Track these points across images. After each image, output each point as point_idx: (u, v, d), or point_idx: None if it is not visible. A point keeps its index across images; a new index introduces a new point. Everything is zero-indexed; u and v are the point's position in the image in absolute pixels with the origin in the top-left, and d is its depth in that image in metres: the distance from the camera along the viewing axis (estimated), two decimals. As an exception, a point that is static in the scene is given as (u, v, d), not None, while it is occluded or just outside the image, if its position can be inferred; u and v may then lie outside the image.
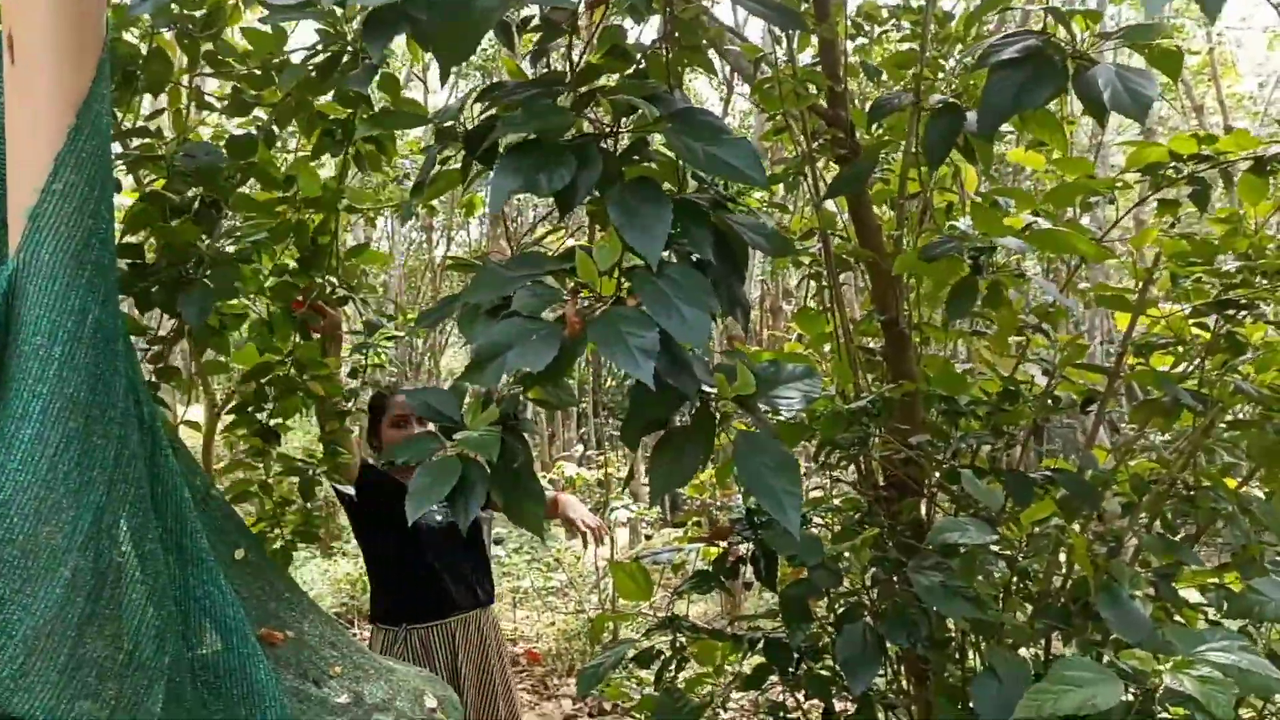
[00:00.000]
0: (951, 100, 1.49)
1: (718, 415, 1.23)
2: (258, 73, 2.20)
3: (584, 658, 6.11)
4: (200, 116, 2.41)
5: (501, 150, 1.30)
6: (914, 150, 1.82)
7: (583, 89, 1.39)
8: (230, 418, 2.38)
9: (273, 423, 2.40)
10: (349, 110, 2.22)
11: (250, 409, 2.39)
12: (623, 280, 1.20)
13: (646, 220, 1.15)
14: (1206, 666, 1.32)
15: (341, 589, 7.33)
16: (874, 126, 2.59)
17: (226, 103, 2.15)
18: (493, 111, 1.47)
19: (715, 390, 1.25)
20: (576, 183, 1.18)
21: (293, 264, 2.36)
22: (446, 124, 1.45)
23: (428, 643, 3.03)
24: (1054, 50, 1.30)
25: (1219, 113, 13.34)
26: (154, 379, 2.14)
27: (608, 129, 1.36)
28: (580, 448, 10.71)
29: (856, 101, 2.64)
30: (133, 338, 2.12)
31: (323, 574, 7.60)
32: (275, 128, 2.16)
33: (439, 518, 3.11)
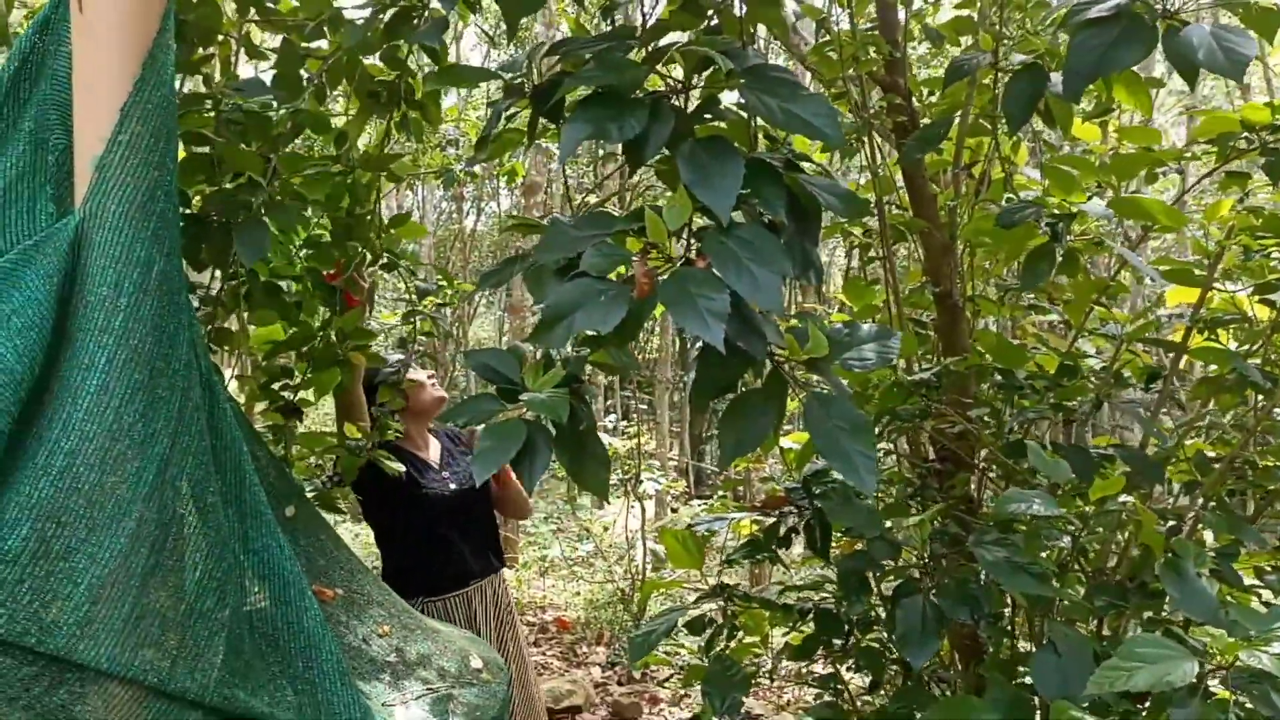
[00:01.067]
0: (1033, 61, 1.44)
1: (789, 378, 1.21)
2: (309, 24, 2.16)
3: (612, 626, 6.15)
4: (251, 66, 2.38)
5: (569, 104, 1.27)
6: (993, 114, 1.78)
7: (654, 45, 1.36)
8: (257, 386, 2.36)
9: (298, 397, 2.37)
10: (396, 73, 2.19)
11: (274, 384, 2.37)
12: (692, 241, 1.17)
13: (718, 176, 1.12)
14: (1285, 644, 1.29)
15: (374, 553, 7.40)
16: (929, 94, 2.54)
17: (277, 53, 2.11)
18: (560, 68, 1.45)
19: (786, 352, 1.23)
20: (649, 134, 1.15)
21: (326, 234, 2.32)
22: (514, 80, 1.42)
23: (447, 614, 2.98)
24: (1143, 9, 1.25)
25: (1266, 92, 13.03)
26: (207, 342, 2.13)
27: (679, 85, 1.33)
28: (612, 419, 10.73)
29: (914, 70, 2.58)
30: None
31: (354, 538, 7.68)
32: (326, 85, 2.13)
33: (453, 486, 3.10)
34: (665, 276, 1.16)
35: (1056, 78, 1.45)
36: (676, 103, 1.33)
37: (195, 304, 2.28)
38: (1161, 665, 1.32)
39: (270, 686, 1.49)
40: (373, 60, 2.21)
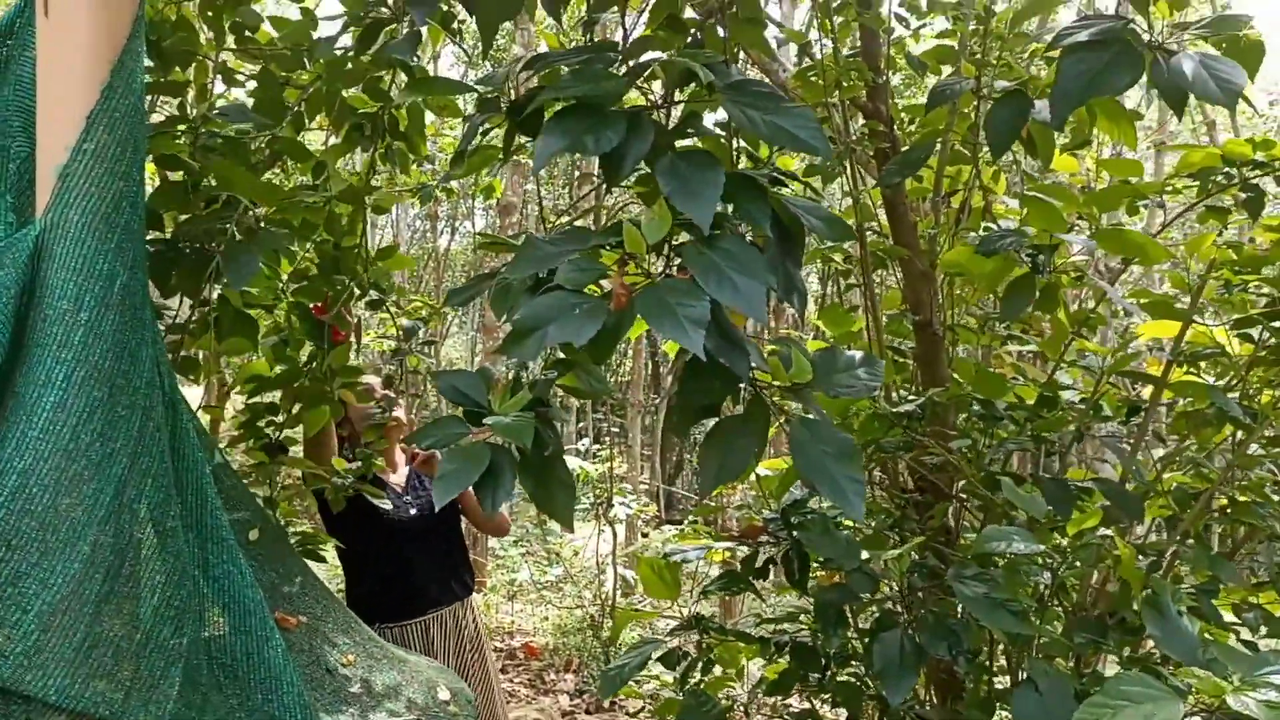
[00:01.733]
0: (1017, 87, 1.43)
1: (771, 404, 1.18)
2: (287, 53, 2.12)
3: (581, 653, 6.06)
4: (226, 93, 2.34)
5: (548, 117, 1.24)
6: (974, 141, 1.77)
7: (635, 60, 1.34)
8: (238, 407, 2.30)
9: (283, 435, 2.31)
10: (379, 104, 2.14)
11: (258, 422, 2.30)
12: (672, 257, 1.14)
13: (698, 185, 1.10)
14: (1272, 690, 1.27)
15: (341, 578, 7.27)
16: (910, 121, 2.54)
17: (254, 80, 2.07)
18: (537, 83, 1.42)
19: (768, 377, 1.20)
20: (627, 148, 1.12)
21: (313, 268, 2.27)
22: (490, 94, 1.39)
23: (403, 641, 2.91)
24: (1132, 36, 1.25)
25: (1230, 129, 13.28)
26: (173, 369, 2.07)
27: (660, 100, 1.31)
28: (585, 442, 10.66)
29: (895, 98, 2.59)
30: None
31: (321, 563, 7.53)
32: (305, 116, 2.08)
33: (413, 510, 3.02)
34: (643, 288, 1.12)
35: (1040, 104, 1.44)
36: (656, 118, 1.30)
37: (162, 330, 2.22)
38: (1146, 705, 1.30)
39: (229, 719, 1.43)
40: (356, 91, 2.18)
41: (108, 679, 1.29)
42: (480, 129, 1.42)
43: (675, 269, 1.18)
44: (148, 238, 2.03)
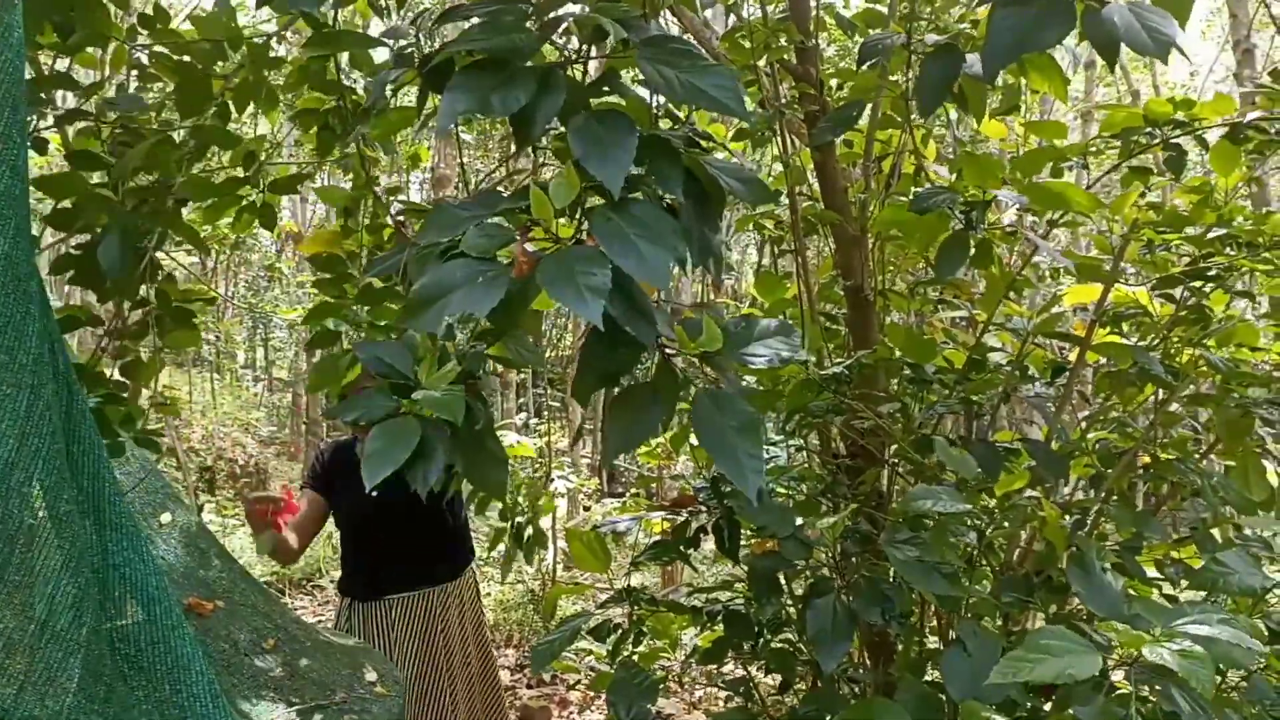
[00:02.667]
0: (948, 41, 1.40)
1: (680, 373, 1.14)
2: (206, 45, 2.01)
3: (521, 628, 6.03)
4: (145, 87, 2.22)
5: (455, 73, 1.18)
6: (906, 99, 1.74)
7: (550, 14, 1.28)
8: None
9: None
10: (334, 98, 2.04)
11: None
12: (583, 222, 1.09)
13: (609, 148, 1.04)
14: (1186, 640, 1.29)
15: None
16: (839, 86, 2.51)
17: (174, 73, 1.95)
18: (453, 39, 1.35)
19: (677, 345, 1.16)
20: (537, 107, 1.07)
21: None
22: (404, 49, 1.32)
23: (365, 620, 2.85)
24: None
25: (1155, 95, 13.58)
26: (120, 376, 1.98)
27: (574, 56, 1.25)
28: (522, 416, 10.58)
29: (824, 64, 2.56)
30: (90, 329, 1.93)
31: (252, 542, 7.38)
32: (232, 108, 1.98)
33: (374, 494, 2.90)
34: (547, 255, 1.07)
35: (971, 58, 1.41)
36: (572, 76, 1.25)
37: (101, 335, 2.10)
38: (1065, 658, 1.31)
39: (134, 712, 1.36)
40: (309, 94, 2.08)
41: (-2, 674, 1.22)
42: (390, 85, 1.34)
43: (586, 234, 1.13)
44: (74, 242, 1.93)
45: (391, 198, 2.11)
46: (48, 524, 1.32)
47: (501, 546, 7.55)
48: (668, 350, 1.14)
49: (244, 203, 2.06)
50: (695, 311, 1.25)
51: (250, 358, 17.87)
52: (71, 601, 1.31)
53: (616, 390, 1.15)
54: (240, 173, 2.08)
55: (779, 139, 2.18)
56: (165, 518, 1.95)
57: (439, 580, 2.92)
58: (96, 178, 1.86)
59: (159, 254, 1.93)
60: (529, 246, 1.06)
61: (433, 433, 1.11)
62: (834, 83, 2.45)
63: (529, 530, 2.13)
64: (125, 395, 1.96)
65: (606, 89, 1.25)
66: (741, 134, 2.14)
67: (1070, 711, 1.32)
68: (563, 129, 1.15)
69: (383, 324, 2.02)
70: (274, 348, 16.91)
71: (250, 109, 2.02)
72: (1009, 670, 1.30)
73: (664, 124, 1.33)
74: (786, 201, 2.46)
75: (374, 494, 2.69)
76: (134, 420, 1.88)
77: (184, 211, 1.98)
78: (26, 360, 1.30)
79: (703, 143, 1.23)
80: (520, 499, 2.20)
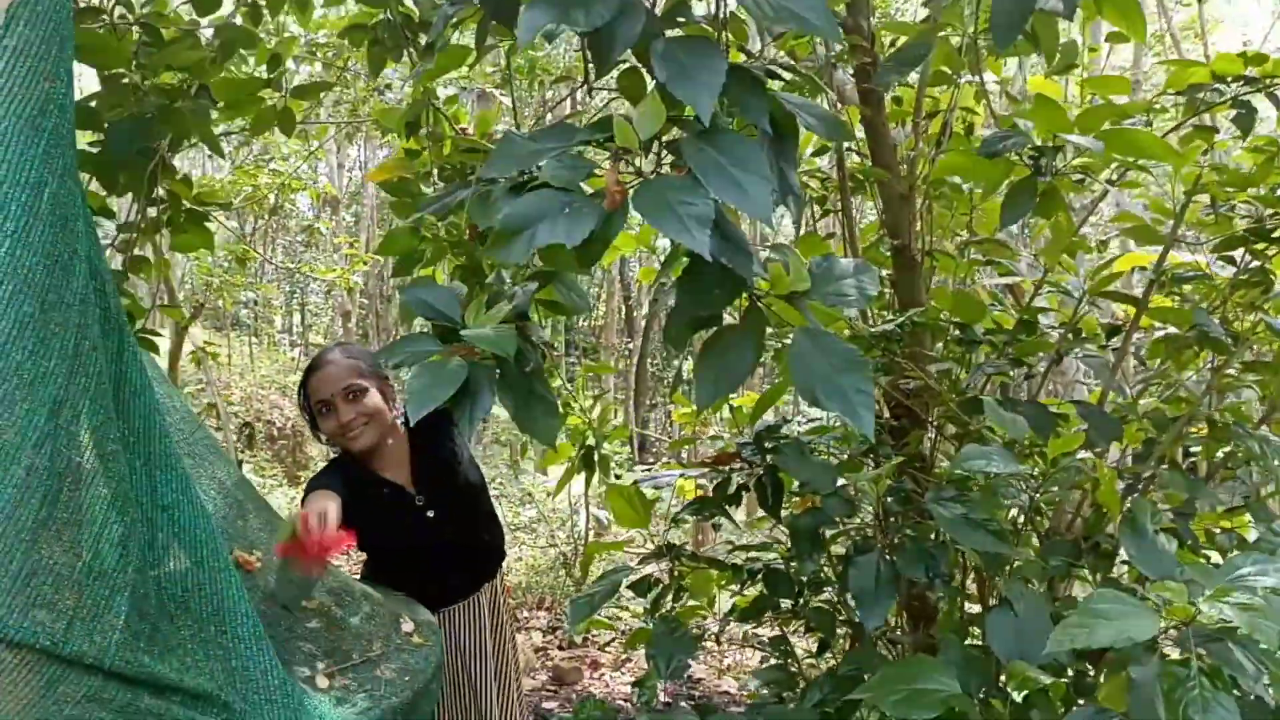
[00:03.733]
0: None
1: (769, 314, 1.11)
2: None
3: (553, 592, 6.07)
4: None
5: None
6: (974, 36, 1.68)
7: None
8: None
9: None
10: (378, 10, 1.99)
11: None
12: (665, 155, 1.06)
13: (698, 73, 1.01)
14: (1247, 593, 1.25)
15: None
16: (892, 42, 2.44)
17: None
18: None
19: (766, 285, 1.13)
20: (616, 28, 1.03)
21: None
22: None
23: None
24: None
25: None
26: (121, 269, 1.96)
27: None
28: (557, 384, 10.59)
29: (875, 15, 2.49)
30: (99, 220, 1.91)
31: (289, 501, 7.48)
32: (264, 7, 1.97)
33: (430, 513, 2.40)
34: (640, 184, 1.04)
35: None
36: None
37: (112, 231, 2.08)
38: (1122, 621, 1.28)
39: (180, 651, 1.37)
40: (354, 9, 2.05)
41: (48, 608, 1.23)
42: (450, 21, 1.32)
43: (670, 166, 1.10)
44: (87, 140, 1.93)
45: (450, 108, 2.07)
46: (95, 462, 1.33)
47: (530, 508, 7.53)
48: (755, 291, 1.11)
49: (264, 105, 2.02)
50: (776, 252, 1.22)
51: (286, 322, 18.04)
52: (118, 539, 1.32)
53: (704, 336, 1.12)
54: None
55: (826, 93, 2.12)
56: (222, 473, 1.95)
57: (480, 585, 2.52)
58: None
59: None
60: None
61: (481, 373, 1.10)
62: (885, 37, 2.39)
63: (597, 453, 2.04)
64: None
65: (681, 20, 1.21)
66: (792, 86, 2.09)
67: (1126, 674, 1.29)
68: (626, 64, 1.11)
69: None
70: (310, 312, 17.06)
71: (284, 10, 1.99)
72: (1066, 637, 1.27)
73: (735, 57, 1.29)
74: (830, 158, 2.41)
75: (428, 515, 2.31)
76: (133, 319, 1.84)
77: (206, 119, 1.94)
78: (73, 300, 1.30)
79: (783, 74, 1.20)
80: (592, 418, 2.11)
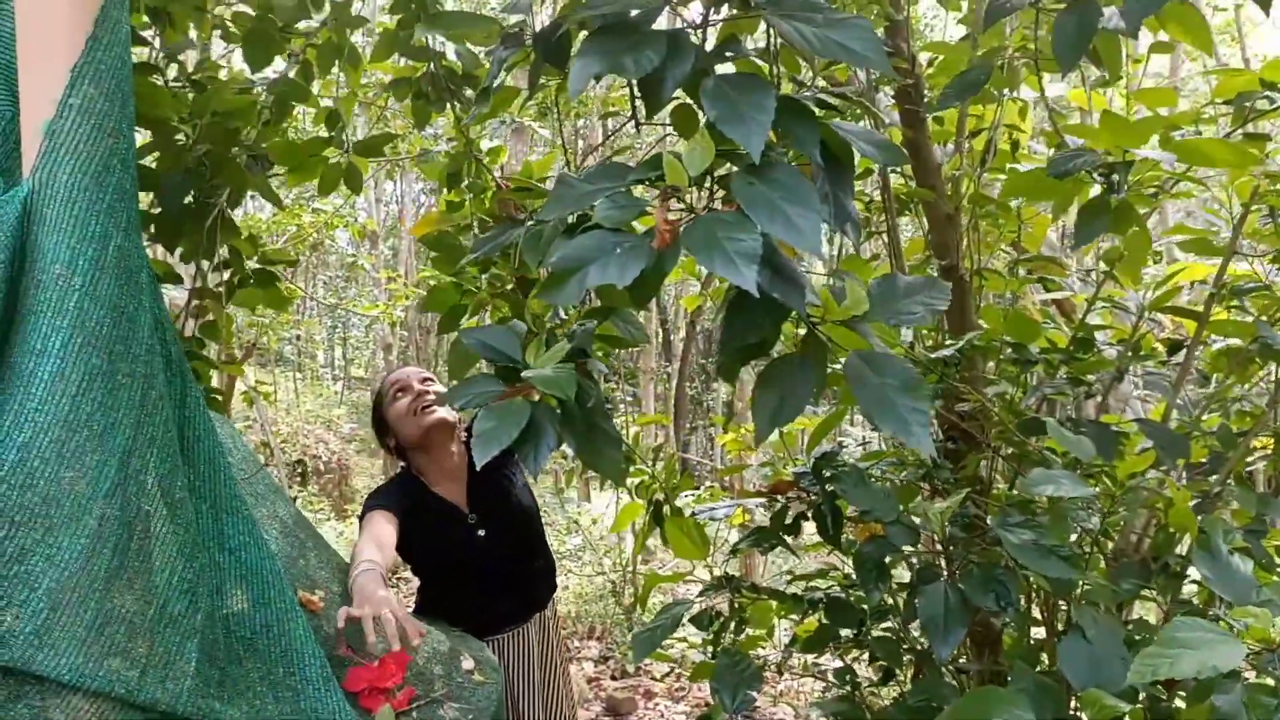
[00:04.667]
0: (1084, -7, 1.32)
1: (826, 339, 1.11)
2: (288, 3, 2.03)
3: (603, 620, 6.05)
4: (223, 58, 2.27)
5: (582, 39, 1.16)
6: (1033, 58, 1.67)
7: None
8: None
9: None
10: (424, 63, 2.03)
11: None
12: (715, 190, 1.07)
13: (747, 110, 1.01)
14: (1339, 620, 1.21)
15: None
16: (931, 63, 2.44)
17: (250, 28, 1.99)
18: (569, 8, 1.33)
19: (821, 312, 1.12)
20: (666, 70, 1.04)
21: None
22: (513, 28, 1.31)
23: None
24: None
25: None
26: (197, 335, 2.01)
27: (698, 21, 1.22)
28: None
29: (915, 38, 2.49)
30: (166, 287, 1.95)
31: (338, 536, 7.55)
32: (314, 65, 2.00)
33: (481, 532, 2.46)
34: (689, 222, 1.05)
35: (1109, 11, 1.34)
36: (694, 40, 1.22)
37: (184, 297, 2.14)
38: (1205, 650, 1.24)
39: (249, 694, 1.38)
40: (397, 61, 2.09)
41: (122, 656, 1.24)
42: (504, 64, 1.34)
43: (721, 201, 1.10)
44: (142, 202, 1.97)
45: (493, 161, 2.11)
46: (163, 510, 1.35)
47: (576, 537, 7.51)
48: (812, 318, 1.11)
49: (329, 164, 2.06)
50: (834, 275, 1.22)
51: (329, 356, 18.30)
52: (188, 586, 1.34)
53: (760, 365, 1.12)
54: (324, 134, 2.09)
55: (868, 118, 2.12)
56: (280, 510, 1.98)
57: (534, 610, 2.59)
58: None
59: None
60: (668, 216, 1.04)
61: (543, 413, 1.10)
62: (923, 57, 2.38)
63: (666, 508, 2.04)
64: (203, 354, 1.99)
65: (728, 55, 1.22)
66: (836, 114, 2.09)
67: (1210, 703, 1.25)
68: (678, 100, 1.12)
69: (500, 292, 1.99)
70: (352, 345, 17.28)
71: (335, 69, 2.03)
72: (1148, 668, 1.24)
73: (786, 87, 1.29)
74: (873, 181, 2.40)
75: (479, 534, 2.36)
76: (200, 376, 1.89)
77: (263, 174, 1.98)
78: (140, 350, 1.32)
79: (834, 103, 1.20)
80: (657, 472, 2.12)
